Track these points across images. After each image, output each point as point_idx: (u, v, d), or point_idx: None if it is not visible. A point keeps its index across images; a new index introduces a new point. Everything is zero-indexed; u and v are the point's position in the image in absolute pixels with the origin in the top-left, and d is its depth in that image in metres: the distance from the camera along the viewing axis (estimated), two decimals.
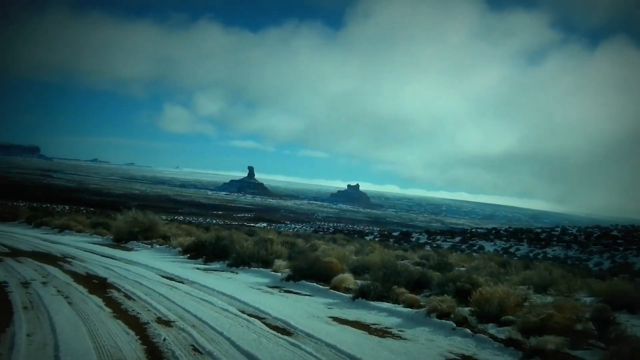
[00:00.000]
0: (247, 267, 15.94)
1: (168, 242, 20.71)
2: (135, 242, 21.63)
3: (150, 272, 13.91)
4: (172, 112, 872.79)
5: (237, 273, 15.37)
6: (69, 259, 15.52)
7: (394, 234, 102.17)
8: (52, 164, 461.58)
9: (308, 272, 13.41)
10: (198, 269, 15.84)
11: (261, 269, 15.54)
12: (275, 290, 12.23)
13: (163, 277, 13.13)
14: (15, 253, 16.05)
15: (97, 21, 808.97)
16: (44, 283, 10.78)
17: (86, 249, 18.59)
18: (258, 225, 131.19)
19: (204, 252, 18.37)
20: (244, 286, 12.54)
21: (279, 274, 14.18)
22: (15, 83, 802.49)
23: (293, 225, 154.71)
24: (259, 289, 12.30)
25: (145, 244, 21.25)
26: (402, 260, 19.48)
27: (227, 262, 16.88)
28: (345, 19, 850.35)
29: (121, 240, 22.10)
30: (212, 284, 12.04)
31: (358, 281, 12.11)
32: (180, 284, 12.14)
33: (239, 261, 16.46)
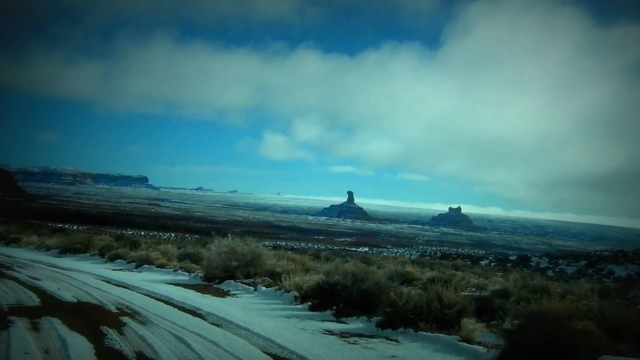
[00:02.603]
0: (411, 330, 9.18)
1: (278, 281, 14.16)
2: (232, 281, 15.28)
3: (256, 347, 7.36)
4: (272, 139, 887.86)
5: (398, 342, 8.83)
6: (125, 318, 9.34)
7: (510, 257, 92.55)
8: (159, 193, 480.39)
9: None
10: (331, 333, 9.37)
11: (438, 334, 8.73)
12: None
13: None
14: (48, 306, 10.09)
15: (198, 52, 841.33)
16: None
17: (161, 296, 12.33)
18: (360, 249, 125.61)
19: (334, 298, 11.71)
20: None
21: (480, 348, 7.23)
22: (123, 116, 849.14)
23: (395, 250, 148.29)
24: None
25: (246, 284, 14.82)
26: None
27: (374, 318, 10.17)
28: (444, 38, 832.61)
29: (214, 278, 15.84)
30: None
31: None
32: None
33: (396, 318, 9.64)
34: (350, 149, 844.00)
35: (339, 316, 11.03)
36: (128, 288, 13.55)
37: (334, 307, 11.53)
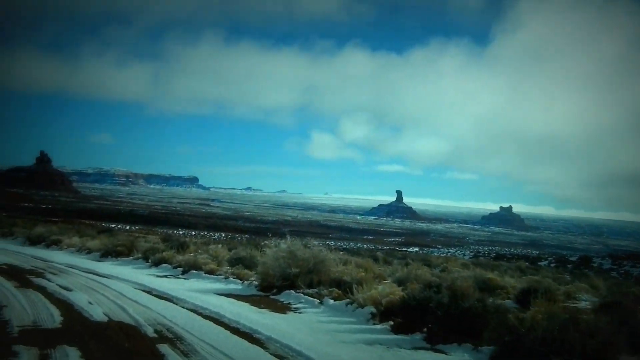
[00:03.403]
0: None
1: (348, 294, 11.76)
2: (292, 291, 12.96)
3: None
4: (319, 138, 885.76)
5: None
6: (164, 346, 7.34)
7: (570, 258, 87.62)
8: (209, 193, 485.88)
9: None
10: None
11: None
12: None
13: None
14: (70, 329, 8.08)
15: (245, 51, 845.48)
16: None
17: (210, 312, 10.14)
18: (410, 249, 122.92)
19: (422, 317, 9.32)
20: None
21: None
22: (174, 117, 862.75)
23: (446, 250, 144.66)
24: None
25: (309, 296, 12.47)
26: None
27: (483, 347, 7.73)
28: (493, 34, 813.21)
29: (271, 287, 13.56)
30: None
31: None
32: None
33: (517, 349, 7.18)
34: (398, 148, 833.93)
35: (432, 342, 8.57)
36: (171, 301, 11.39)
37: (424, 329, 9.08)
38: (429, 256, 53.07)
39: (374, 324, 9.90)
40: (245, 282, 14.66)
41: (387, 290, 11.10)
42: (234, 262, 17.84)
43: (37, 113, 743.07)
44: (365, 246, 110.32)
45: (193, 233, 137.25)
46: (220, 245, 40.61)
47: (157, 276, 15.93)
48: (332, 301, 11.81)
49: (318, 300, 12.03)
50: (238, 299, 12.26)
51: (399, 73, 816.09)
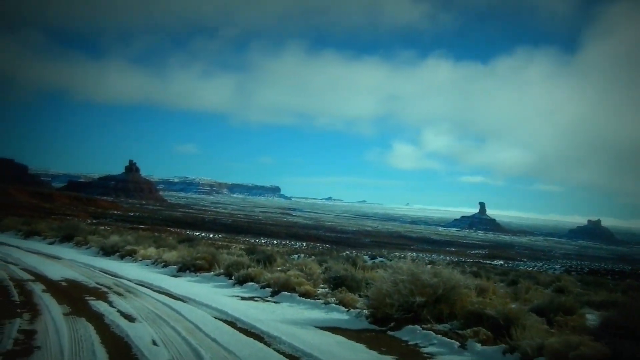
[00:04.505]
0: None
1: (504, 336, 8.40)
2: (418, 327, 9.70)
3: None
4: (400, 149, 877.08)
5: None
6: None
7: None
8: (291, 203, 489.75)
9: None
10: None
11: None
12: None
13: None
14: None
15: (328, 62, 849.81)
16: None
17: None
18: (494, 262, 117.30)
19: None
20: None
21: None
22: (256, 128, 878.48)
23: (532, 264, 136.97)
24: None
25: (442, 334, 9.19)
26: None
27: None
28: (582, 41, 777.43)
29: (386, 320, 10.35)
30: None
31: None
32: None
33: None
34: (481, 158, 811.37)
35: None
36: (262, 339, 8.42)
37: None
38: (533, 272, 48.10)
39: None
40: (352, 310, 11.52)
41: (568, 336, 7.66)
42: (331, 281, 14.78)
43: (126, 124, 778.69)
44: (447, 258, 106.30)
45: (275, 242, 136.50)
46: (307, 257, 37.81)
47: (242, 298, 13.07)
48: (479, 346, 8.48)
49: (458, 343, 8.72)
50: (348, 337, 9.15)
51: (483, 82, 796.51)
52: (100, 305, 10.25)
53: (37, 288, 11.78)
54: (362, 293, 13.74)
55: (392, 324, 10.26)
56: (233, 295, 13.37)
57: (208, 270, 17.13)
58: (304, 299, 12.90)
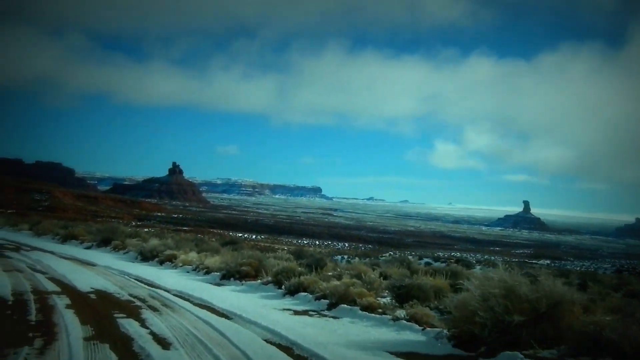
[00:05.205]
0: None
1: None
2: (517, 353, 7.71)
3: None
4: (442, 148, 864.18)
5: None
6: None
7: None
8: (332, 203, 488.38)
9: None
10: None
11: None
12: None
13: None
14: None
15: (368, 61, 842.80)
16: None
17: None
18: (540, 262, 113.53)
19: None
20: None
21: None
22: (297, 128, 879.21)
23: (579, 263, 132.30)
24: None
25: None
26: None
27: None
28: (629, 36, 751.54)
29: (475, 343, 8.41)
30: None
31: None
32: None
33: None
34: (525, 157, 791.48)
35: None
36: None
37: None
38: (586, 272, 45.03)
39: None
40: (428, 329, 9.59)
41: None
42: (395, 290, 12.85)
43: (169, 126, 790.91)
44: (492, 258, 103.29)
45: (317, 242, 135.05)
46: (351, 258, 35.84)
47: (295, 312, 11.27)
48: None
49: None
50: None
51: (526, 79, 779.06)
52: (130, 326, 8.57)
53: (61, 303, 10.20)
54: (431, 305, 11.85)
55: (482, 349, 8.32)
56: (284, 309, 11.58)
57: (254, 277, 15.40)
58: (367, 313, 11.02)
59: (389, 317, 10.57)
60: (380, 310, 11.29)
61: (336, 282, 12.80)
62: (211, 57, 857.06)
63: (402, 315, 10.50)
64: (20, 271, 14.62)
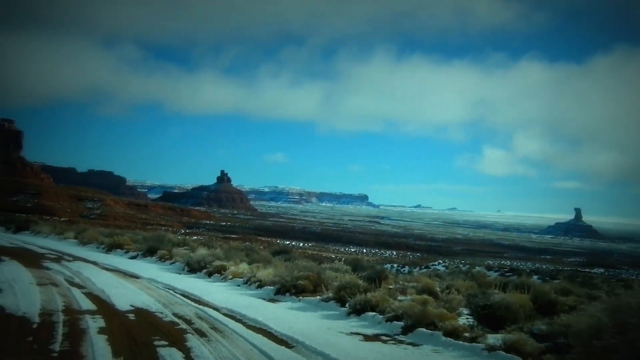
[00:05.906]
0: None
1: None
2: None
3: None
4: (491, 154, 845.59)
5: None
6: None
7: None
8: (379, 211, 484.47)
9: None
10: None
11: None
12: None
13: None
14: None
15: (416, 66, 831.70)
16: None
17: None
18: (594, 271, 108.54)
19: None
20: None
21: None
22: (344, 136, 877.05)
23: (635, 272, 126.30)
24: None
25: None
26: None
27: None
28: None
29: None
30: None
31: None
32: None
33: None
34: (576, 162, 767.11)
35: None
36: None
37: None
38: None
39: None
40: None
41: None
42: (478, 311, 10.95)
43: (217, 134, 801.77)
44: (543, 266, 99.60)
45: (364, 250, 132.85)
46: (400, 267, 33.81)
47: (365, 337, 9.52)
48: None
49: None
50: None
51: (578, 83, 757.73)
52: (172, 358, 7.01)
53: (94, 325, 8.73)
54: (524, 328, 9.93)
55: None
56: (351, 333, 9.85)
57: (313, 292, 13.71)
58: (451, 340, 9.19)
59: (481, 346, 8.72)
60: (467, 335, 9.45)
61: (409, 301, 10.99)
62: (259, 65, 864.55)
63: (499, 344, 8.65)
64: (55, 285, 13.30)
